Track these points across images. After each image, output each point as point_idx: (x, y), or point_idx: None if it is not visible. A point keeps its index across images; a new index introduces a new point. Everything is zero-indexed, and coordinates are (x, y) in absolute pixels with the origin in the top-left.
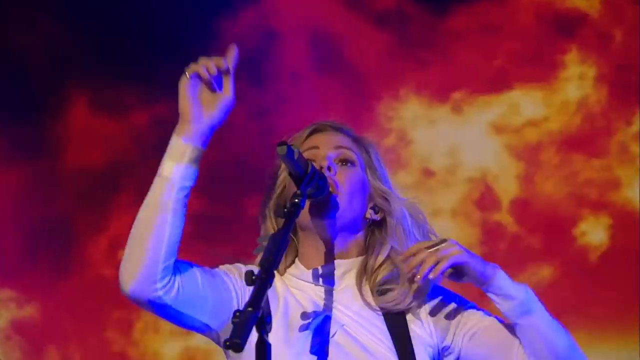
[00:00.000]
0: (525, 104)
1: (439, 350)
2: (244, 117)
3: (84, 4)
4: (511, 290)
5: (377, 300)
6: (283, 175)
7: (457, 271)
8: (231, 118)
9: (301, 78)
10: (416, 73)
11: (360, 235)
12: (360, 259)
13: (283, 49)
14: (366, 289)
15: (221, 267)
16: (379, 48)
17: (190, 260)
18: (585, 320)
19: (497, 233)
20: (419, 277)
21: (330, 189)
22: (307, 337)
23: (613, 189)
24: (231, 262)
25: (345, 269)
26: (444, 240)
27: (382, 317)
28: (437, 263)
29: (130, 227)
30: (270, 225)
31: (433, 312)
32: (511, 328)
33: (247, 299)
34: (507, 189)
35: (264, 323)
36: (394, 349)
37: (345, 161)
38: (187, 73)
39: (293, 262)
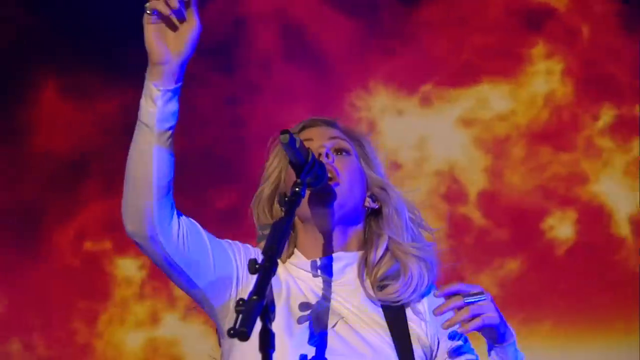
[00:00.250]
0: (494, 97)
1: (430, 349)
2: (211, 106)
3: None
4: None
5: (378, 295)
6: (274, 164)
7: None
8: (197, 106)
9: (270, 66)
10: (386, 63)
11: (359, 227)
12: (361, 253)
13: (252, 37)
14: (367, 283)
15: (226, 240)
16: (349, 37)
17: None
18: (551, 313)
19: (464, 226)
20: (447, 324)
21: (329, 175)
22: (307, 327)
23: (580, 184)
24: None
25: (347, 262)
26: (481, 293)
27: (381, 311)
28: (470, 317)
29: (97, 217)
30: (263, 215)
31: (431, 313)
32: None
33: (246, 274)
34: (475, 182)
35: (268, 312)
36: (392, 343)
37: (340, 150)
38: (147, 10)
39: (293, 252)
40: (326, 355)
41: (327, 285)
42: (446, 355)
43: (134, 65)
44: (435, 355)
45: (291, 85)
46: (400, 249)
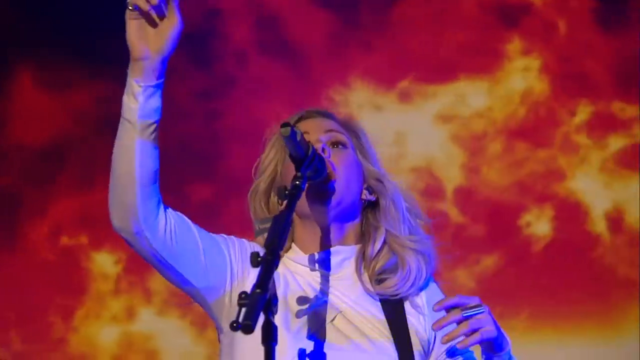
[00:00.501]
0: (471, 93)
1: (428, 342)
2: (186, 99)
3: None
4: None
5: (376, 288)
6: (270, 157)
7: None
8: (173, 99)
9: (246, 60)
10: (364, 58)
11: (356, 220)
12: (359, 246)
13: (227, 29)
14: (365, 277)
15: (221, 235)
16: (326, 30)
17: None
18: (528, 308)
19: (442, 222)
20: (446, 339)
21: (327, 171)
22: (305, 322)
23: (557, 180)
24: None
25: (345, 256)
26: (479, 305)
27: (380, 305)
28: (469, 332)
29: (73, 211)
30: (260, 209)
31: (430, 306)
32: None
33: (241, 269)
34: (452, 178)
35: (271, 305)
36: (390, 337)
37: (337, 143)
38: (129, 6)
39: (290, 247)
40: (325, 350)
41: (325, 279)
42: (444, 355)
43: (110, 57)
44: (432, 349)
45: (267, 79)
46: (397, 242)
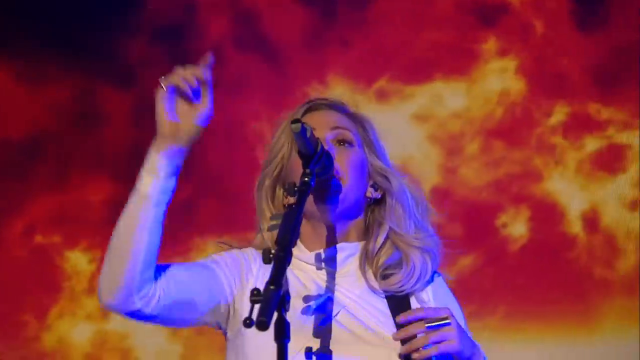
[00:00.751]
0: (448, 94)
1: None
2: None
3: None
4: None
5: (381, 284)
6: (275, 149)
7: None
8: (150, 97)
9: (222, 55)
10: (341, 55)
11: (360, 217)
12: (362, 243)
13: (203, 24)
14: (369, 273)
15: (208, 257)
16: (303, 26)
17: (169, 262)
18: (503, 308)
19: None
20: (404, 350)
21: (334, 168)
22: (311, 320)
23: (533, 181)
24: (226, 248)
25: (348, 252)
26: (446, 318)
27: (385, 300)
28: (430, 344)
29: (48, 210)
30: (266, 206)
31: (439, 304)
32: None
33: (238, 281)
34: (429, 178)
35: (284, 301)
36: (396, 331)
37: (343, 141)
38: (163, 85)
39: (295, 245)
40: (331, 347)
41: (330, 276)
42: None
43: (89, 51)
44: None
45: (244, 75)
46: (401, 240)
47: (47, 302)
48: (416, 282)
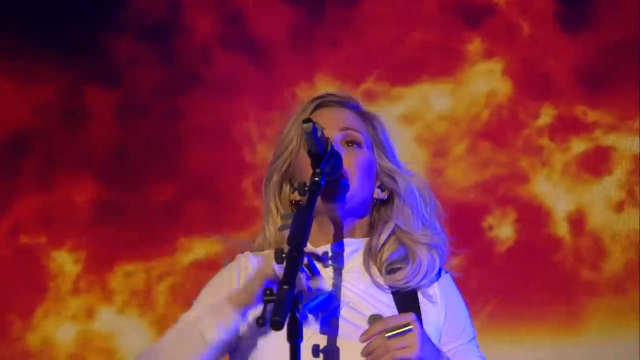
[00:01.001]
0: (434, 95)
1: (440, 332)
2: (150, 96)
3: None
4: None
5: (387, 280)
6: (286, 142)
7: None
8: (137, 96)
9: (209, 54)
10: (329, 55)
11: (366, 215)
12: (367, 240)
13: (190, 24)
14: (373, 268)
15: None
16: (291, 25)
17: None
18: (490, 310)
19: None
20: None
21: (342, 169)
22: (317, 317)
23: (519, 183)
24: (241, 250)
25: (354, 248)
26: (407, 324)
27: (391, 296)
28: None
29: (32, 210)
30: (274, 204)
31: (445, 300)
32: None
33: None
34: None
35: (297, 301)
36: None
37: (351, 142)
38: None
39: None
40: (338, 343)
41: (336, 272)
42: (454, 351)
43: (75, 49)
44: (439, 343)
45: (231, 75)
46: (409, 238)
47: (32, 302)
48: (422, 277)
